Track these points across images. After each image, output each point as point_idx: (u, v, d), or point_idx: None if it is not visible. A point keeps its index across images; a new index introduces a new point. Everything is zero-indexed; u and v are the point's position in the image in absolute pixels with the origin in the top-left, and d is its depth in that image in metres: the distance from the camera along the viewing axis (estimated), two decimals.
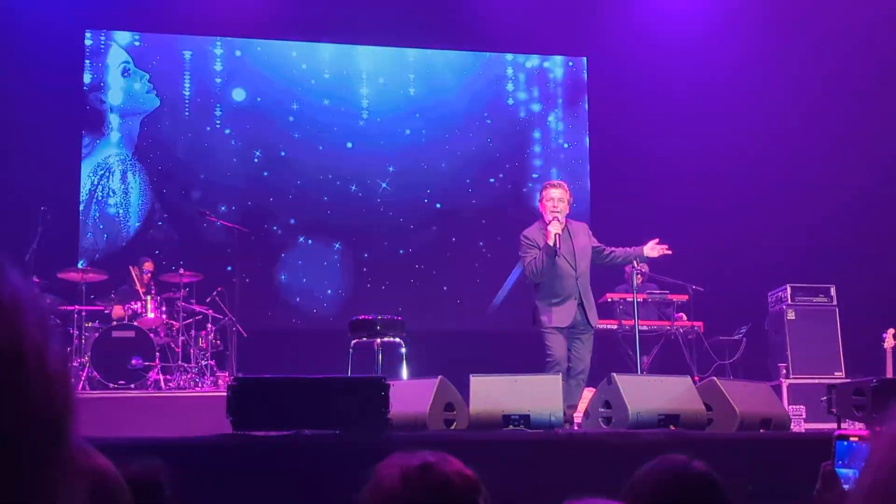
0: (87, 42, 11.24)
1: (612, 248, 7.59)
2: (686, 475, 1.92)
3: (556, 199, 7.33)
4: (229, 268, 10.22)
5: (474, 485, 1.53)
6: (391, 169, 11.69)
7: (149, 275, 9.58)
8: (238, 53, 11.58)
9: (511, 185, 11.95)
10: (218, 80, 11.48)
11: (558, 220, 7.24)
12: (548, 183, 7.69)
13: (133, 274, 9.63)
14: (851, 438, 2.17)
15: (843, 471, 2.15)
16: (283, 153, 11.49)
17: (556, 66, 12.30)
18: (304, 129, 11.58)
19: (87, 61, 11.21)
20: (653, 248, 7.51)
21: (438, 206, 11.75)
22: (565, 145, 12.18)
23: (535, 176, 11.90)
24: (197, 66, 11.46)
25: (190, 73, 11.43)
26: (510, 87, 12.14)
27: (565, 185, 7.59)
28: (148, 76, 11.33)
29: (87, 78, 11.18)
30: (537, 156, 12.09)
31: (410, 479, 1.49)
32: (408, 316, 8.17)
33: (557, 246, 7.20)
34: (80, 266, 9.82)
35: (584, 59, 12.30)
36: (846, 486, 2.11)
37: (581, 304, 7.29)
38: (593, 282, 7.63)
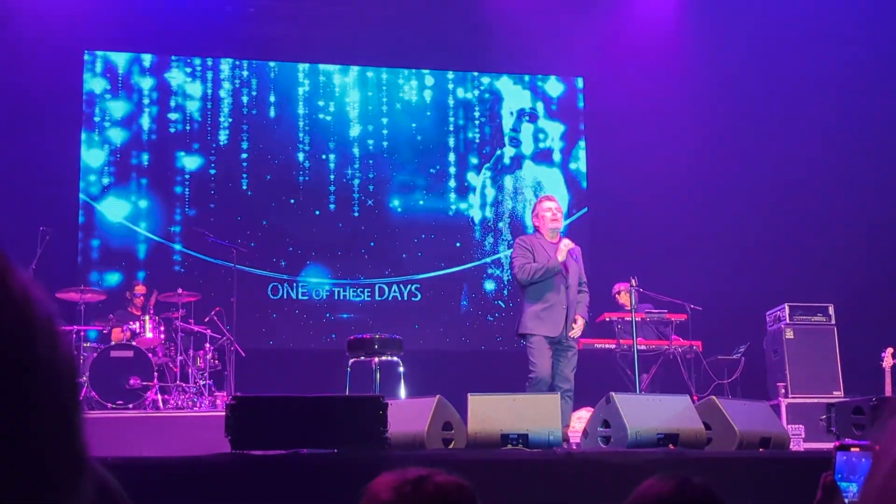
0: (86, 59, 11.28)
1: (581, 292, 7.61)
2: (687, 490, 1.92)
3: (553, 209, 7.56)
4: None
5: (470, 494, 1.53)
6: (389, 188, 11.73)
7: (141, 298, 9.61)
8: (243, 73, 11.63)
9: (506, 202, 11.97)
10: (224, 98, 11.52)
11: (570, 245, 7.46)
12: (543, 196, 7.94)
13: (127, 296, 9.68)
14: (853, 450, 2.17)
15: (843, 484, 2.15)
16: (283, 174, 11.52)
17: (552, 85, 12.34)
18: (306, 152, 11.61)
19: (86, 79, 11.24)
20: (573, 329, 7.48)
21: (435, 226, 11.77)
22: (561, 165, 12.20)
23: (533, 194, 11.91)
24: (195, 85, 11.51)
25: (189, 90, 11.47)
26: (504, 106, 12.18)
27: (556, 199, 7.87)
28: (144, 96, 11.37)
29: (85, 97, 11.21)
30: (535, 174, 12.11)
31: (405, 493, 1.48)
32: (406, 335, 8.18)
33: (564, 268, 7.37)
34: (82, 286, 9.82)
35: (580, 78, 12.35)
36: (846, 500, 2.11)
37: (567, 315, 7.38)
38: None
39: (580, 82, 12.38)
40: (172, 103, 11.43)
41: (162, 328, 9.18)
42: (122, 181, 11.19)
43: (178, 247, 11.14)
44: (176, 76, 11.49)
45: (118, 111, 11.30)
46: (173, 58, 11.51)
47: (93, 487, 0.74)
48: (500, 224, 11.92)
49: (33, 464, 0.69)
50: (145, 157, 11.28)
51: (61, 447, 0.71)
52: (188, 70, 11.53)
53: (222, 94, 11.55)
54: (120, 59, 11.40)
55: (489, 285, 11.80)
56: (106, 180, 11.15)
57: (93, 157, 11.17)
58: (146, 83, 11.41)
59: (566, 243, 7.44)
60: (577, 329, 7.44)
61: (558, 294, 7.40)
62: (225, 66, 11.62)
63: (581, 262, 7.72)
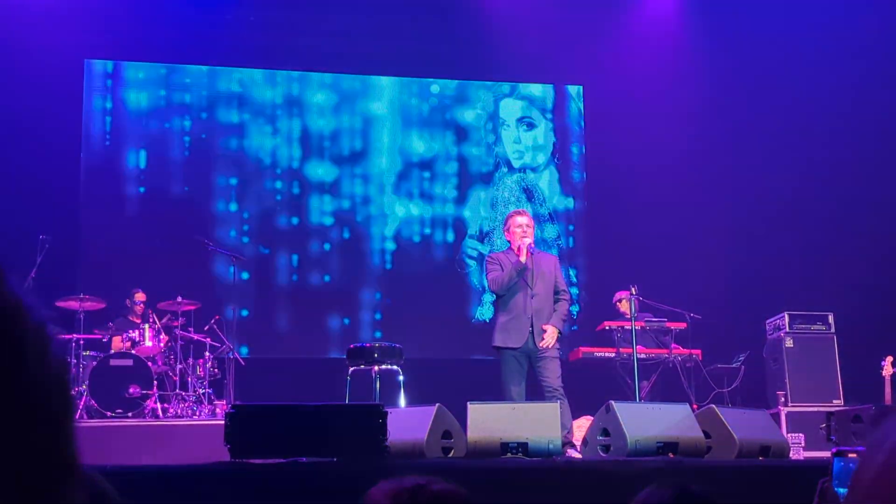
0: (87, 67, 11.30)
1: (559, 301, 7.59)
2: (686, 498, 1.92)
3: (524, 224, 7.57)
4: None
5: (467, 503, 1.53)
6: (390, 196, 11.74)
7: (141, 305, 9.60)
8: (233, 81, 11.65)
9: (504, 210, 11.97)
10: (225, 106, 11.53)
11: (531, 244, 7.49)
12: (514, 211, 7.95)
13: (127, 304, 9.67)
14: (850, 456, 2.17)
15: (841, 490, 2.15)
16: (280, 181, 11.54)
17: (551, 93, 12.36)
18: (307, 161, 11.63)
19: (86, 87, 11.26)
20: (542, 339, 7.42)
21: (438, 237, 11.78)
22: (560, 173, 12.21)
23: (530, 203, 11.92)
24: (195, 94, 11.52)
25: (189, 97, 11.49)
26: (504, 114, 12.20)
27: (529, 213, 7.92)
28: (144, 102, 11.38)
29: (85, 105, 11.22)
30: (534, 182, 12.12)
31: (402, 501, 1.49)
32: (406, 343, 8.17)
33: (528, 264, 7.38)
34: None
35: (580, 86, 12.36)
36: None
37: (532, 325, 7.35)
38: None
39: (579, 90, 12.39)
40: (172, 110, 11.44)
41: (162, 337, 9.17)
42: (122, 188, 11.19)
43: (178, 254, 11.12)
44: (176, 83, 11.50)
45: (118, 118, 11.31)
46: (174, 65, 11.53)
47: (85, 495, 0.74)
48: (500, 231, 11.91)
49: (22, 470, 0.69)
50: (145, 163, 11.28)
51: (51, 454, 0.71)
52: (188, 78, 11.54)
53: (223, 101, 11.56)
54: (120, 67, 11.40)
55: (488, 294, 11.79)
56: (106, 187, 11.15)
57: (93, 163, 11.17)
58: (147, 90, 11.42)
59: (525, 242, 7.42)
60: (548, 338, 7.34)
61: (521, 304, 7.40)
62: (227, 74, 11.63)
63: (558, 270, 7.72)
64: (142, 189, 11.25)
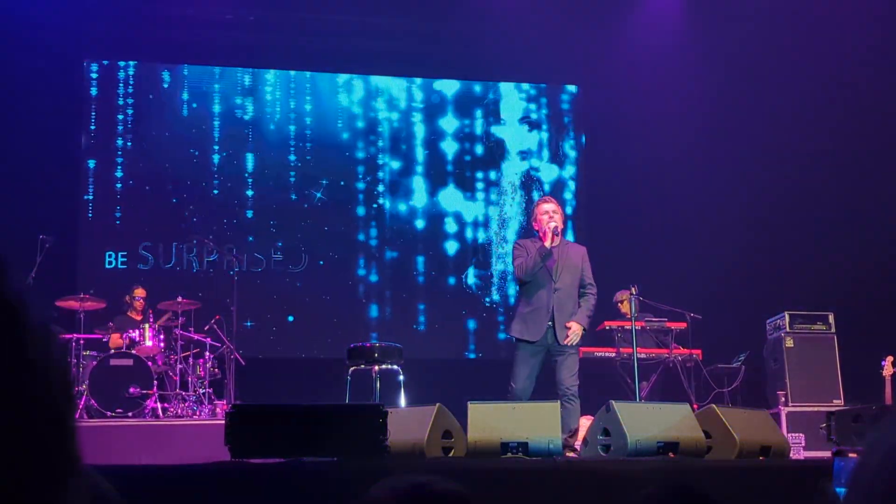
0: (90, 72, 11.30)
1: (585, 295, 7.48)
2: (686, 498, 1.92)
3: (550, 211, 7.49)
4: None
5: (467, 503, 1.53)
6: (394, 195, 11.75)
7: (141, 301, 9.59)
8: (246, 80, 11.65)
9: (507, 210, 11.99)
10: (226, 106, 11.54)
11: (557, 226, 7.38)
12: (540, 199, 7.90)
13: (126, 301, 9.66)
14: (850, 456, 2.18)
15: (841, 490, 2.15)
16: (279, 181, 11.54)
17: (552, 92, 12.36)
18: (304, 159, 11.63)
19: (85, 88, 11.26)
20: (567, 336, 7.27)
21: (438, 234, 11.79)
22: (559, 173, 12.22)
23: (529, 203, 11.93)
24: (196, 94, 11.52)
25: (189, 100, 11.48)
26: (502, 114, 12.20)
27: (556, 201, 7.79)
28: (143, 103, 11.38)
29: (84, 106, 11.22)
30: (536, 182, 12.12)
31: (402, 501, 1.48)
32: (406, 343, 8.18)
33: (553, 247, 7.30)
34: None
35: (580, 86, 12.37)
36: None
37: (553, 320, 7.25)
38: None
39: (580, 89, 12.39)
40: (171, 111, 11.44)
41: (162, 336, 9.17)
42: (122, 188, 11.19)
43: (177, 254, 11.13)
44: (175, 84, 11.50)
45: (118, 119, 11.31)
46: (172, 66, 11.53)
47: (86, 495, 0.74)
48: (503, 231, 11.92)
49: (24, 469, 0.69)
50: (145, 165, 11.28)
51: (53, 450, 0.71)
52: (188, 79, 11.54)
53: (225, 102, 11.56)
54: (120, 67, 11.41)
55: (490, 293, 11.79)
56: (106, 187, 11.15)
57: (93, 164, 11.17)
58: (146, 91, 11.42)
59: (552, 226, 7.33)
60: (572, 336, 7.21)
61: (543, 297, 7.29)
62: (228, 74, 11.63)
63: (586, 262, 7.54)
64: (144, 188, 11.25)
